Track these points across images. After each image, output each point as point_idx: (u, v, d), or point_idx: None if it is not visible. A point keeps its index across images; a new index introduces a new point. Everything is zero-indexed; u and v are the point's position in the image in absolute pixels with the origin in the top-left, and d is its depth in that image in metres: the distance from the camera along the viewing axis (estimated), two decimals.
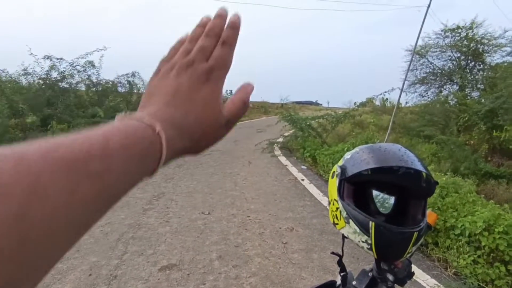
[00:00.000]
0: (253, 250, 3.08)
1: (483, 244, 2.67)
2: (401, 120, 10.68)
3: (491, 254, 2.64)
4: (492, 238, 2.63)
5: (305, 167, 6.50)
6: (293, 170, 6.28)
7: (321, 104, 27.35)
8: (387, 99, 14.63)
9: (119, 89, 10.78)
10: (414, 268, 2.40)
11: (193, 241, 3.28)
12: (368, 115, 12.06)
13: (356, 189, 0.84)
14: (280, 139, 8.93)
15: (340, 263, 0.96)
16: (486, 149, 7.87)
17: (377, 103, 15.16)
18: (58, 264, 1.63)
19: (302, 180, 5.55)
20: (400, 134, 10.35)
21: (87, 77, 9.14)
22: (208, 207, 4.26)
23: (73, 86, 8.70)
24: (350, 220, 0.77)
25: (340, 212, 0.80)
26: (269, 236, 3.37)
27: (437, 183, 0.78)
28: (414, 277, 2.35)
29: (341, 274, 0.96)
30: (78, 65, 8.77)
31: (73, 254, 3.02)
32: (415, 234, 0.73)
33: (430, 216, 0.92)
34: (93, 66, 9.21)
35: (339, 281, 1.00)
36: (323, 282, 0.91)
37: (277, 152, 7.99)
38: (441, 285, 2.48)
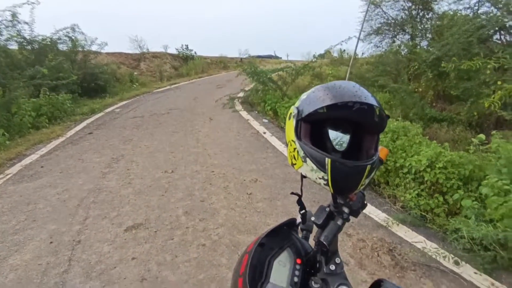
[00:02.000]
0: (219, 203, 3.15)
1: (426, 179, 2.98)
2: (358, 71, 10.94)
3: (432, 187, 2.97)
4: (433, 173, 2.93)
5: (266, 121, 6.55)
6: (255, 124, 6.31)
7: (281, 57, 26.94)
8: (344, 50, 14.79)
9: (60, 46, 9.59)
10: (368, 206, 2.61)
11: (158, 200, 3.27)
12: (326, 67, 12.17)
13: (313, 128, 0.84)
14: (241, 94, 8.79)
15: (299, 202, 1.00)
16: (432, 95, 8.45)
17: (335, 54, 15.28)
18: (12, 236, 1.55)
19: (264, 133, 5.63)
20: (357, 84, 10.62)
21: (17, 33, 7.94)
22: (171, 166, 4.20)
23: (2, 44, 7.54)
24: (307, 159, 0.78)
25: (298, 152, 0.81)
26: (234, 188, 3.45)
27: (388, 116, 0.80)
28: (368, 214, 2.56)
29: (301, 212, 1.01)
30: (4, 20, 7.54)
31: (28, 224, 2.87)
32: (368, 167, 0.76)
33: (382, 151, 0.97)
34: (24, 22, 7.98)
35: (299, 220, 1.06)
36: (284, 221, 0.95)
37: (238, 107, 7.91)
38: (390, 218, 2.77)
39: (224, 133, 5.69)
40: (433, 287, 2.03)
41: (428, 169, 3.00)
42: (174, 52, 18.31)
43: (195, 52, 19.10)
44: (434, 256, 2.26)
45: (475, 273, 2.12)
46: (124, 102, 9.61)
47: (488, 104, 2.80)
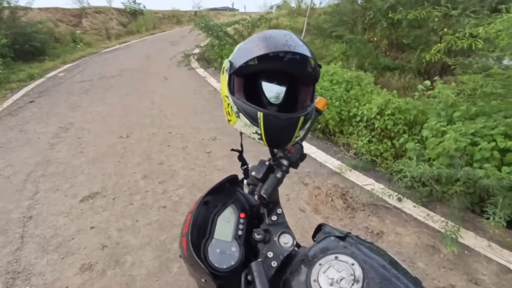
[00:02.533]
0: (178, 164, 3.12)
1: (376, 126, 3.15)
2: (316, 22, 10.76)
3: (382, 133, 3.16)
4: (383, 120, 3.09)
5: None
6: (212, 81, 6.10)
7: (238, 10, 25.54)
8: (302, 0, 14.31)
9: None
10: (323, 155, 2.72)
11: (114, 167, 3.15)
12: (284, 18, 11.80)
13: (247, 82, 0.81)
14: (196, 50, 8.34)
15: (240, 158, 1.00)
16: (385, 44, 8.64)
17: (293, 4, 14.77)
18: None
19: None
20: (315, 35, 10.54)
21: None
22: (125, 130, 4.00)
23: None
24: (240, 114, 0.76)
25: (231, 107, 0.78)
26: (192, 148, 3.41)
27: (320, 66, 0.79)
28: (323, 162, 2.67)
29: (243, 168, 1.01)
30: None
31: None
32: (301, 119, 0.76)
33: (320, 102, 0.97)
34: None
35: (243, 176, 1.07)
36: (225, 178, 0.95)
37: (194, 64, 7.55)
38: (343, 164, 2.94)
39: (180, 92, 5.46)
40: (379, 222, 2.25)
41: (378, 117, 3.15)
42: (120, 6, 16.57)
43: (144, 6, 17.46)
44: (380, 196, 2.47)
45: (414, 206, 2.37)
46: (68, 65, 8.73)
47: (429, 57, 2.93)
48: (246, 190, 1.07)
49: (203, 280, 0.81)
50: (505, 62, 3.04)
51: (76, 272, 1.95)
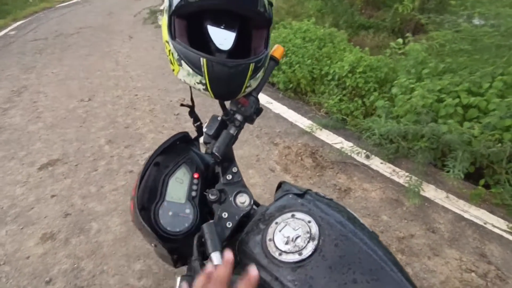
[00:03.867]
0: (144, 127, 2.97)
1: (347, 84, 3.11)
2: None
3: (353, 92, 3.13)
4: (354, 78, 3.05)
5: None
6: None
7: None
8: None
9: None
10: (294, 114, 2.67)
11: (75, 132, 2.96)
12: None
13: (191, 25, 0.71)
14: (163, 7, 7.72)
15: (192, 113, 0.92)
16: (361, 2, 8.40)
17: None
18: None
19: None
20: None
21: None
22: (87, 93, 3.73)
23: None
24: (182, 62, 0.67)
25: (172, 54, 0.68)
26: (160, 111, 3.25)
27: (271, 4, 0.70)
28: (294, 122, 2.63)
29: (195, 124, 0.93)
30: None
31: None
32: (251, 66, 0.68)
33: (277, 50, 0.87)
34: None
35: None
36: (174, 135, 0.88)
37: (161, 21, 7.02)
38: (314, 123, 2.92)
39: (147, 52, 5.10)
40: (347, 179, 2.30)
41: (350, 75, 3.11)
42: None
43: None
44: (349, 154, 2.50)
45: (381, 163, 2.43)
46: (19, 22, 7.87)
47: (402, 9, 2.84)
48: (203, 149, 1.00)
49: (153, 244, 0.76)
50: (475, 21, 3.03)
51: (37, 242, 1.88)
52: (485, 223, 1.90)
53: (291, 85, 3.60)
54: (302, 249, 0.64)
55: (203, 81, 0.66)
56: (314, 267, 0.61)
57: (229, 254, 0.50)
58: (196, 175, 0.86)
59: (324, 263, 0.61)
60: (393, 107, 2.65)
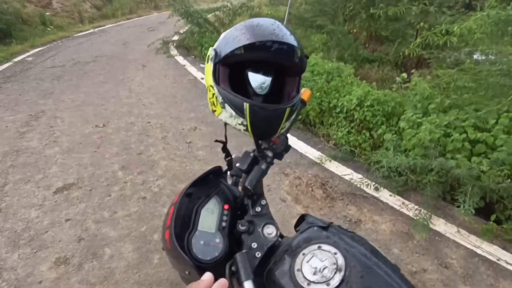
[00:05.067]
0: (157, 154, 3.05)
1: (355, 117, 3.20)
2: (297, 11, 10.73)
3: (361, 124, 3.22)
4: (362, 111, 3.15)
5: (204, 65, 6.24)
6: (192, 69, 5.96)
7: None
8: None
9: None
10: (303, 145, 2.74)
11: (90, 157, 3.04)
12: (266, 7, 11.68)
13: (232, 72, 0.79)
14: (176, 37, 8.09)
15: (224, 149, 0.98)
16: (365, 36, 8.78)
17: None
18: None
19: (202, 79, 5.38)
20: (296, 25, 10.52)
21: None
22: (102, 119, 3.86)
23: None
24: (226, 105, 0.74)
25: (216, 97, 0.77)
26: (172, 138, 3.34)
27: (307, 57, 0.78)
28: (304, 153, 2.70)
29: (227, 159, 1.00)
30: None
31: None
32: (288, 110, 0.75)
33: (305, 93, 0.97)
34: None
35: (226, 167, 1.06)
36: (209, 170, 0.94)
37: (174, 51, 7.33)
38: (323, 155, 2.99)
39: (159, 81, 5.31)
40: (357, 211, 2.32)
41: (358, 108, 3.21)
42: None
43: None
44: (359, 185, 2.54)
45: (390, 195, 2.46)
46: (37, 49, 8.25)
47: (408, 52, 3.02)
48: (229, 181, 1.06)
49: (187, 272, 0.80)
50: (476, 56, 3.18)
51: (50, 266, 1.89)
52: (498, 260, 1.90)
53: (300, 117, 3.71)
54: (329, 280, 0.67)
55: (245, 123, 0.73)
56: None
57: (224, 281, 0.54)
58: (226, 207, 0.91)
59: None
60: (401, 140, 2.72)
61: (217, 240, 0.85)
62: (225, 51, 0.72)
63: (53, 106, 4.36)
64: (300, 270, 0.72)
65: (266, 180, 2.63)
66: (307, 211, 2.31)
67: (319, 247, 0.76)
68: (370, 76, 6.24)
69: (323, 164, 2.87)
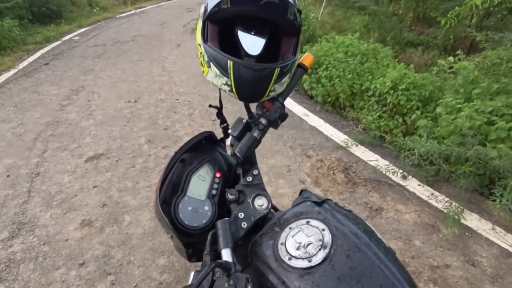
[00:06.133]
0: (182, 130, 3.11)
1: (388, 101, 2.99)
2: None
3: (394, 109, 3.01)
4: (396, 95, 2.93)
5: None
6: None
7: None
8: None
9: None
10: (329, 128, 2.62)
11: (120, 130, 3.18)
12: None
13: (224, 31, 0.74)
14: None
15: (219, 115, 0.95)
16: (411, 18, 8.11)
17: None
18: None
19: None
20: (337, 6, 10.03)
21: None
22: (134, 95, 4.01)
23: None
24: (211, 63, 0.70)
25: (203, 56, 0.72)
26: (198, 116, 3.38)
27: (300, 11, 0.71)
28: (330, 136, 2.59)
29: (222, 126, 0.97)
30: None
31: None
32: (277, 71, 0.69)
33: (307, 58, 0.88)
34: None
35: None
36: (199, 134, 0.91)
37: None
38: (350, 139, 2.84)
39: (192, 60, 5.37)
40: (379, 199, 2.20)
41: (391, 91, 2.99)
42: None
43: None
44: (384, 172, 2.39)
45: (419, 185, 2.29)
46: (83, 29, 8.71)
47: (444, 22, 2.70)
48: (228, 151, 1.03)
49: (169, 235, 0.80)
50: None
51: (76, 226, 2.03)
52: None
53: (329, 99, 3.55)
54: (312, 256, 0.63)
55: (229, 83, 0.69)
56: (322, 276, 0.60)
57: None
58: (218, 175, 0.88)
59: (333, 272, 0.60)
60: (436, 127, 2.49)
61: (206, 208, 0.83)
62: (211, 5, 0.68)
63: (92, 82, 4.60)
64: (284, 244, 0.68)
65: (286, 161, 2.58)
66: (326, 195, 2.23)
67: (308, 222, 0.71)
68: (413, 61, 5.79)
69: (348, 149, 2.74)
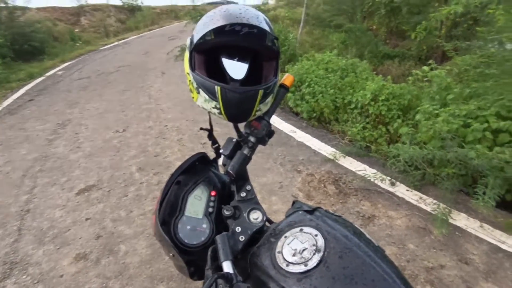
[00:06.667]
0: (173, 155, 3.14)
1: (370, 112, 3.12)
2: (314, 11, 10.66)
3: (376, 119, 3.13)
4: (377, 106, 3.07)
5: None
6: None
7: (237, 3, 25.32)
8: None
9: None
10: (317, 142, 2.71)
11: (110, 160, 3.18)
12: (282, 9, 11.71)
13: (209, 59, 0.81)
14: None
15: (210, 136, 1.00)
16: (384, 32, 8.54)
17: None
18: None
19: None
20: (314, 25, 10.46)
21: None
22: (122, 125, 4.03)
23: None
24: (200, 90, 0.76)
25: (192, 84, 0.79)
26: (188, 140, 3.42)
27: (277, 38, 0.79)
28: (317, 150, 2.66)
29: (213, 146, 1.02)
30: None
31: None
32: (260, 92, 0.76)
33: (287, 79, 0.96)
34: None
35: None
36: (194, 156, 0.96)
37: None
38: (337, 151, 2.93)
39: (177, 86, 5.47)
40: (371, 206, 2.25)
41: (372, 103, 3.13)
42: (119, 3, 16.53)
43: (142, 2, 17.41)
44: (373, 181, 2.47)
45: (407, 190, 2.36)
46: (67, 64, 8.77)
47: (414, 36, 2.89)
48: (221, 170, 1.08)
49: (171, 254, 0.82)
50: (508, 47, 2.99)
51: (71, 261, 1.99)
52: None
53: (314, 114, 3.67)
54: (308, 261, 0.67)
55: (218, 106, 0.75)
56: (318, 278, 0.64)
57: None
58: (213, 193, 0.93)
59: (328, 273, 0.64)
60: (417, 134, 2.61)
61: (204, 226, 0.87)
62: (196, 37, 0.75)
63: (79, 115, 4.61)
64: (280, 252, 0.72)
65: (278, 177, 2.62)
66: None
67: (301, 230, 0.75)
68: (391, 73, 6.05)
69: (336, 161, 2.82)
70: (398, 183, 2.44)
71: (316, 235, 0.72)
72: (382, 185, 2.43)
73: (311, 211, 0.82)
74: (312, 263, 0.66)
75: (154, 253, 1.99)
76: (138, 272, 1.87)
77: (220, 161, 1.05)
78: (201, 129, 1.01)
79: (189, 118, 4.01)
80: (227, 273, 0.65)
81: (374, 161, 2.78)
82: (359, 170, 2.65)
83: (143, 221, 2.27)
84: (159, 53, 8.57)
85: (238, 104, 0.75)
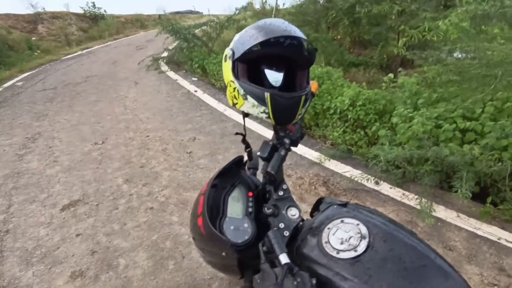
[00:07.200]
0: (159, 166, 3.09)
1: (349, 116, 3.32)
2: None
3: (355, 124, 3.34)
4: (355, 111, 3.28)
5: (196, 79, 6.34)
6: (185, 83, 6.06)
7: (202, 12, 25.39)
8: (266, 1, 14.55)
9: None
10: (301, 147, 2.84)
11: (93, 173, 3.06)
12: (251, 19, 11.97)
13: (249, 67, 0.88)
14: (165, 54, 8.20)
15: (244, 141, 1.06)
16: (349, 42, 9.05)
17: (257, 6, 14.98)
18: None
19: (195, 91, 5.48)
20: None
21: None
22: (100, 137, 3.89)
23: None
24: (248, 96, 0.83)
25: (238, 91, 0.85)
26: (172, 150, 3.39)
27: (316, 49, 0.88)
28: (303, 154, 2.78)
29: (247, 150, 1.08)
30: None
31: None
32: (303, 98, 0.85)
33: (313, 85, 1.06)
34: None
35: (246, 158, 1.13)
36: (231, 161, 1.01)
37: (164, 67, 7.43)
38: (322, 155, 3.08)
39: (153, 96, 5.38)
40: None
41: (351, 108, 3.34)
42: (79, 11, 15.86)
43: (105, 11, 16.87)
44: (359, 181, 2.63)
45: (391, 188, 2.55)
46: (26, 74, 8.26)
47: (396, 51, 3.17)
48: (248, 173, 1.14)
49: (223, 253, 0.87)
50: (456, 55, 3.36)
51: (67, 280, 1.90)
52: (499, 239, 2.00)
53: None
54: (356, 247, 0.76)
55: (267, 111, 0.82)
56: (369, 260, 0.73)
57: None
58: (250, 194, 0.99)
59: (378, 256, 0.73)
60: (395, 135, 2.84)
61: (246, 225, 0.92)
62: (243, 48, 0.82)
63: (49, 128, 4.37)
64: (328, 242, 0.80)
65: None
66: None
67: (342, 221, 0.84)
68: (357, 79, 6.42)
69: (322, 164, 2.96)
70: (382, 182, 2.62)
71: (357, 224, 0.81)
72: (368, 185, 2.60)
73: (344, 205, 0.91)
74: (361, 249, 0.75)
75: (156, 264, 1.96)
76: (142, 285, 1.83)
77: (260, 165, 1.11)
78: (237, 133, 1.07)
79: (170, 127, 3.97)
80: (288, 263, 0.72)
81: (357, 162, 2.96)
82: (345, 172, 2.81)
83: (140, 233, 2.23)
84: (128, 62, 8.35)
85: (286, 109, 0.83)
